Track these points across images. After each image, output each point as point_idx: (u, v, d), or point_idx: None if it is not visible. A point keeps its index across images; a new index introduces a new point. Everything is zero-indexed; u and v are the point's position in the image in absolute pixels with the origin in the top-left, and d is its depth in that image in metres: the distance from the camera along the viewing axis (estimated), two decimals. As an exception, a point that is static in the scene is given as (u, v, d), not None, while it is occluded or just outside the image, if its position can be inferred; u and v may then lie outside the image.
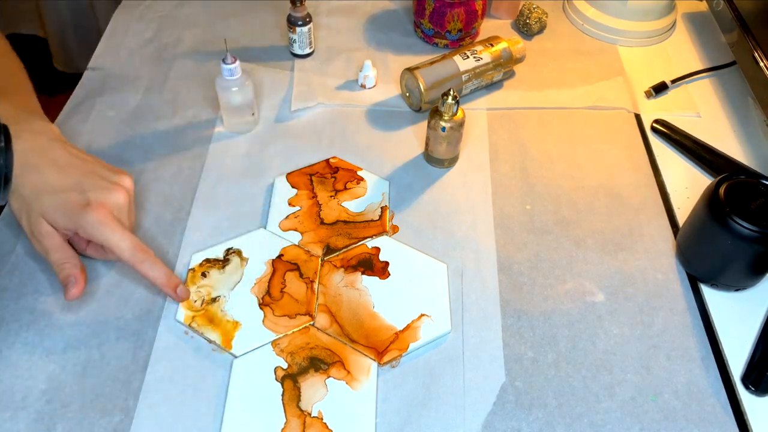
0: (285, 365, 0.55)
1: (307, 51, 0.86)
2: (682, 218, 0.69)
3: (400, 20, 0.94)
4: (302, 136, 0.77)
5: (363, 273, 0.62)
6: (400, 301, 0.60)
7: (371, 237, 0.66)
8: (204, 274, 0.61)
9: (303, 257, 0.63)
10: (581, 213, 0.70)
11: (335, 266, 0.63)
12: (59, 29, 1.60)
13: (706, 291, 0.63)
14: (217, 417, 0.53)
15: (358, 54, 0.88)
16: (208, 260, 0.63)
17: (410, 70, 0.78)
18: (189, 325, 0.58)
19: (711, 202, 0.58)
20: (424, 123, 0.77)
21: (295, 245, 0.64)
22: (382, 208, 0.68)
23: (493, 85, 0.84)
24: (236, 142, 0.75)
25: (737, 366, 0.57)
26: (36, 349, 0.56)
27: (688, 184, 0.73)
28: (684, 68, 0.87)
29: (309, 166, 0.73)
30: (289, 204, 0.68)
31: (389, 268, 0.63)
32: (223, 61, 0.70)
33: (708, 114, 0.82)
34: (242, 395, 0.53)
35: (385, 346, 0.57)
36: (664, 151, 0.77)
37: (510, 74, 0.85)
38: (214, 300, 0.59)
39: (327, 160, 0.73)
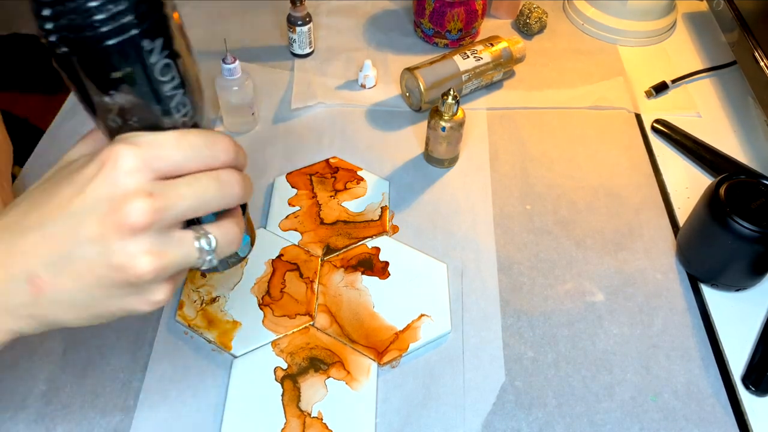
0: (285, 365, 0.55)
1: (307, 51, 0.86)
2: (682, 218, 0.69)
3: (400, 20, 0.94)
4: (302, 136, 0.77)
5: (363, 273, 0.62)
6: (400, 301, 0.60)
7: (371, 237, 0.66)
8: (204, 274, 0.61)
9: (303, 257, 0.63)
10: (581, 213, 0.70)
11: (335, 266, 0.63)
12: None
13: (707, 291, 0.63)
14: (217, 417, 0.53)
15: (358, 54, 0.88)
16: (208, 260, 0.63)
17: (410, 70, 0.78)
18: (189, 325, 0.58)
19: (711, 202, 0.58)
20: (424, 123, 0.76)
21: (295, 245, 0.64)
22: (382, 208, 0.68)
23: (493, 85, 0.84)
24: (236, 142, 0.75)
25: (737, 366, 0.57)
26: (36, 349, 0.56)
27: (689, 184, 0.73)
28: (684, 68, 0.87)
29: (309, 166, 0.73)
30: (289, 204, 0.68)
31: (389, 268, 0.63)
32: (223, 61, 0.70)
33: (708, 114, 0.82)
34: (242, 395, 0.53)
35: (385, 346, 0.57)
36: (664, 151, 0.77)
37: (510, 74, 0.85)
38: (214, 300, 0.59)
39: (327, 160, 0.73)
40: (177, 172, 0.32)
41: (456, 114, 0.69)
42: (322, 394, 0.54)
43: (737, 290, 0.63)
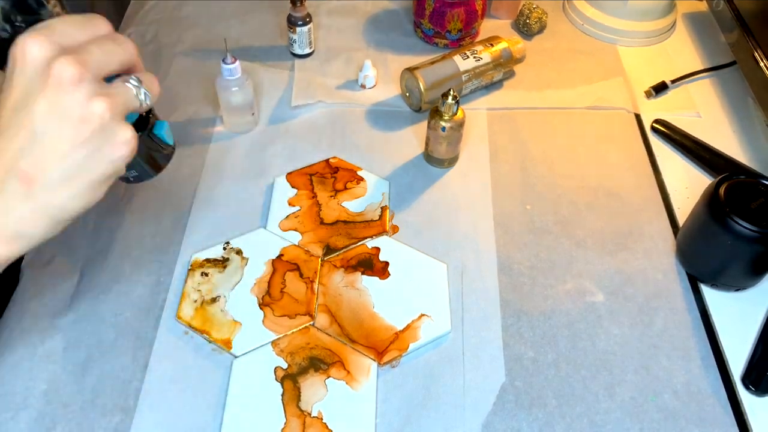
0: (285, 365, 0.55)
1: (307, 51, 0.86)
2: (682, 218, 0.69)
3: (400, 20, 0.94)
4: (302, 136, 0.77)
5: (363, 273, 0.62)
6: (400, 301, 0.60)
7: (371, 237, 0.66)
8: (204, 274, 0.61)
9: (303, 257, 0.63)
10: (581, 213, 0.70)
11: (335, 266, 0.63)
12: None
13: (706, 291, 0.63)
14: (217, 417, 0.53)
15: (358, 54, 0.88)
16: (208, 260, 0.63)
17: (410, 70, 0.78)
18: (189, 325, 0.58)
19: (711, 202, 0.58)
20: (424, 123, 0.76)
21: (295, 245, 0.64)
22: (382, 208, 0.68)
23: (493, 85, 0.84)
24: (236, 142, 0.75)
25: (737, 366, 0.57)
26: (37, 349, 0.56)
27: (688, 184, 0.73)
28: (684, 68, 0.87)
29: (309, 166, 0.73)
30: (289, 204, 0.68)
31: (389, 268, 0.63)
32: (223, 61, 0.70)
33: (708, 114, 0.82)
34: (242, 395, 0.53)
35: (385, 346, 0.57)
36: (664, 151, 0.77)
37: (510, 74, 0.85)
38: (214, 300, 0.59)
39: (327, 160, 0.73)
40: (76, 43, 0.36)
41: (456, 114, 0.69)
42: (322, 394, 0.54)
43: (737, 290, 0.63)
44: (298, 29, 0.83)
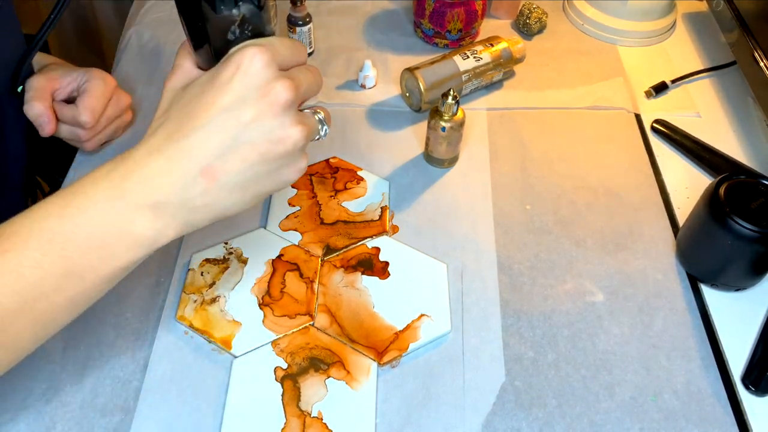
0: (285, 365, 0.55)
1: (307, 51, 0.86)
2: (682, 218, 0.69)
3: (400, 20, 0.94)
4: (302, 136, 0.77)
5: (363, 273, 0.62)
6: (400, 301, 0.60)
7: (371, 237, 0.66)
8: (204, 274, 0.61)
9: (303, 257, 0.63)
10: (581, 213, 0.70)
11: (335, 266, 0.63)
12: (59, 29, 1.60)
13: (706, 291, 0.63)
14: (217, 417, 0.53)
15: (358, 54, 0.88)
16: (208, 260, 0.63)
17: (410, 70, 0.78)
18: (189, 325, 0.58)
19: (711, 202, 0.58)
20: (424, 123, 0.76)
21: (295, 245, 0.64)
22: (382, 208, 0.68)
23: (493, 85, 0.84)
24: (236, 142, 0.75)
25: (737, 366, 0.57)
26: (36, 349, 0.56)
27: (688, 184, 0.73)
28: (684, 68, 0.87)
29: (309, 165, 0.72)
30: (289, 204, 0.68)
31: (389, 268, 0.63)
32: (223, 61, 0.70)
33: (708, 114, 0.82)
34: (242, 395, 0.53)
35: (385, 346, 0.57)
36: (664, 151, 0.77)
37: (510, 74, 0.85)
38: (213, 300, 0.59)
39: (327, 160, 0.73)
40: (287, 66, 0.40)
41: (456, 114, 0.69)
42: (322, 394, 0.54)
43: (737, 290, 0.63)
44: (298, 29, 0.83)
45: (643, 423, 0.54)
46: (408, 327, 0.58)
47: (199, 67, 0.44)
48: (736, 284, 0.62)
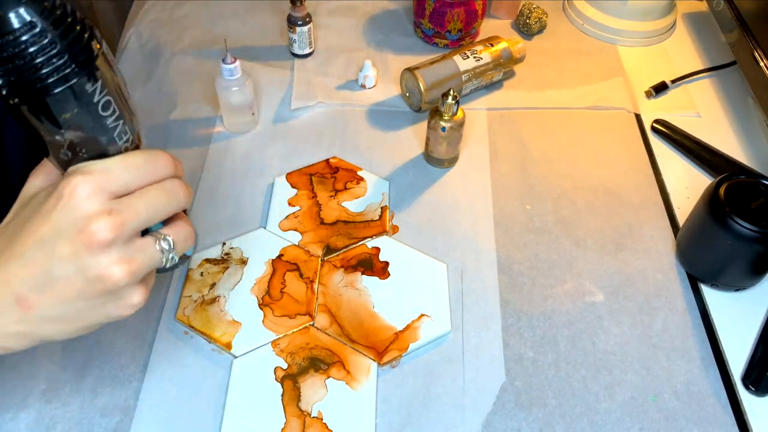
0: (285, 365, 0.55)
1: (307, 51, 0.86)
2: (682, 218, 0.69)
3: (400, 20, 0.94)
4: (302, 136, 0.77)
5: (363, 273, 0.62)
6: (400, 301, 0.60)
7: (371, 237, 0.66)
8: (204, 274, 0.61)
9: (303, 257, 0.63)
10: (581, 213, 0.70)
11: (335, 266, 0.63)
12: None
13: (706, 291, 0.63)
14: (217, 417, 0.53)
15: (358, 54, 0.88)
16: (208, 260, 0.63)
17: (410, 70, 0.78)
18: (189, 325, 0.58)
19: (711, 202, 0.58)
20: (424, 123, 0.76)
21: (295, 245, 0.64)
22: (382, 208, 0.68)
23: (493, 85, 0.84)
24: (236, 142, 0.75)
25: (737, 366, 0.57)
26: (36, 349, 0.56)
27: (688, 184, 0.73)
28: (684, 68, 0.87)
29: (309, 166, 0.73)
30: (289, 204, 0.68)
31: (389, 268, 0.63)
32: (223, 61, 0.70)
33: (708, 114, 0.82)
34: (242, 395, 0.53)
35: (385, 346, 0.57)
36: (664, 151, 0.77)
37: (510, 74, 0.85)
38: (213, 300, 0.59)
39: (327, 160, 0.73)
40: (128, 190, 0.36)
41: (456, 114, 0.69)
42: (322, 394, 0.54)
43: (737, 290, 0.63)
44: (298, 29, 0.83)
45: (643, 423, 0.54)
46: (408, 327, 0.58)
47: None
48: (736, 284, 0.62)
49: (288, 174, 0.71)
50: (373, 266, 0.63)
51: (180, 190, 0.38)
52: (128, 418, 0.52)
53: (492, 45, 0.82)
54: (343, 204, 0.68)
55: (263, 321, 0.58)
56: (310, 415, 0.52)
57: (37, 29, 0.32)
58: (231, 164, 0.73)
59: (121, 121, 0.37)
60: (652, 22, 0.91)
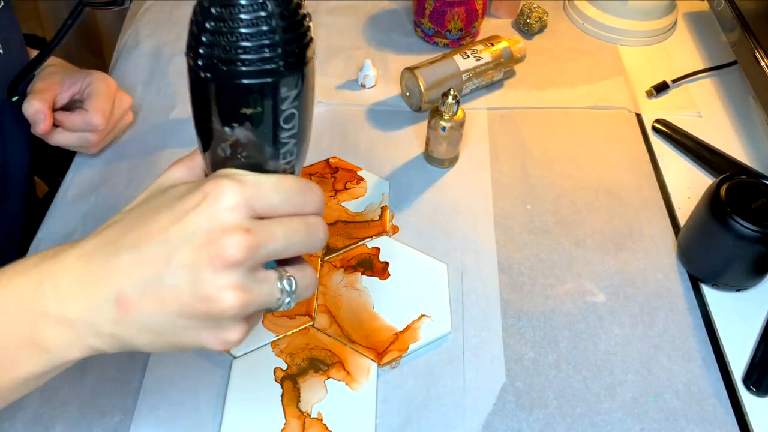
0: (284, 366, 0.55)
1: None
2: (683, 218, 0.69)
3: (400, 20, 0.94)
4: (302, 136, 0.76)
5: (363, 273, 0.62)
6: (400, 301, 0.60)
7: (371, 237, 0.65)
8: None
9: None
10: (581, 213, 0.70)
11: (335, 266, 0.63)
12: (58, 29, 1.60)
13: (707, 291, 0.63)
14: (216, 417, 0.52)
15: (358, 54, 0.87)
16: (207, 260, 0.62)
17: (410, 69, 0.78)
18: (188, 325, 0.57)
19: (712, 202, 0.58)
20: (424, 123, 0.76)
21: (294, 245, 0.64)
22: (382, 208, 0.68)
23: (493, 85, 0.84)
24: (236, 141, 0.75)
25: (738, 366, 0.57)
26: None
27: (689, 184, 0.73)
28: (685, 68, 0.87)
29: (309, 166, 0.72)
30: (289, 204, 0.68)
31: (389, 269, 0.63)
32: (223, 60, 0.70)
33: (709, 114, 0.82)
34: (242, 396, 0.53)
35: (385, 347, 0.57)
36: (665, 151, 0.77)
37: (510, 74, 0.85)
38: (213, 300, 0.59)
39: (327, 160, 0.73)
40: (271, 214, 0.33)
41: (456, 114, 0.69)
42: (322, 395, 0.53)
43: (738, 290, 0.62)
44: (298, 29, 0.83)
45: (644, 423, 0.53)
46: (408, 327, 0.58)
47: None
48: (737, 284, 0.62)
49: (288, 174, 0.71)
50: (373, 266, 0.63)
51: (321, 230, 0.35)
52: (128, 418, 0.52)
53: (492, 44, 0.81)
54: (342, 204, 0.68)
55: (263, 321, 0.58)
56: (309, 415, 0.52)
57: (265, 12, 0.29)
58: (231, 164, 0.73)
59: (294, 140, 0.34)
60: (652, 22, 0.91)
